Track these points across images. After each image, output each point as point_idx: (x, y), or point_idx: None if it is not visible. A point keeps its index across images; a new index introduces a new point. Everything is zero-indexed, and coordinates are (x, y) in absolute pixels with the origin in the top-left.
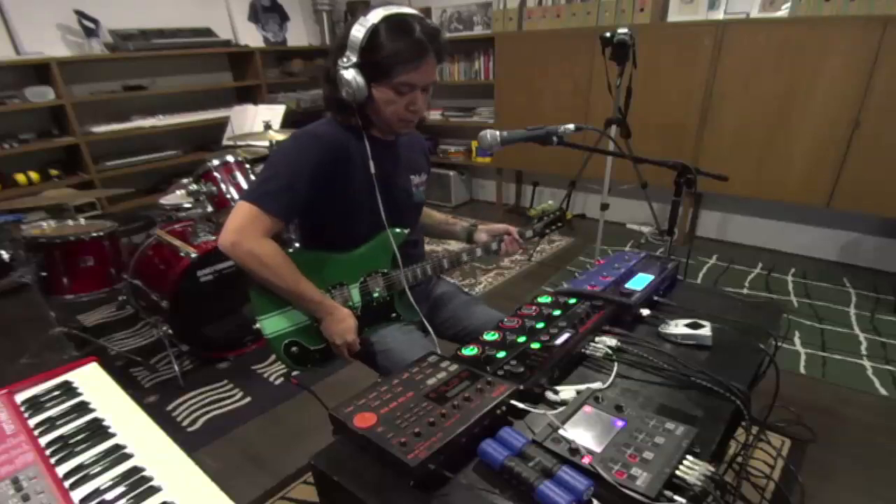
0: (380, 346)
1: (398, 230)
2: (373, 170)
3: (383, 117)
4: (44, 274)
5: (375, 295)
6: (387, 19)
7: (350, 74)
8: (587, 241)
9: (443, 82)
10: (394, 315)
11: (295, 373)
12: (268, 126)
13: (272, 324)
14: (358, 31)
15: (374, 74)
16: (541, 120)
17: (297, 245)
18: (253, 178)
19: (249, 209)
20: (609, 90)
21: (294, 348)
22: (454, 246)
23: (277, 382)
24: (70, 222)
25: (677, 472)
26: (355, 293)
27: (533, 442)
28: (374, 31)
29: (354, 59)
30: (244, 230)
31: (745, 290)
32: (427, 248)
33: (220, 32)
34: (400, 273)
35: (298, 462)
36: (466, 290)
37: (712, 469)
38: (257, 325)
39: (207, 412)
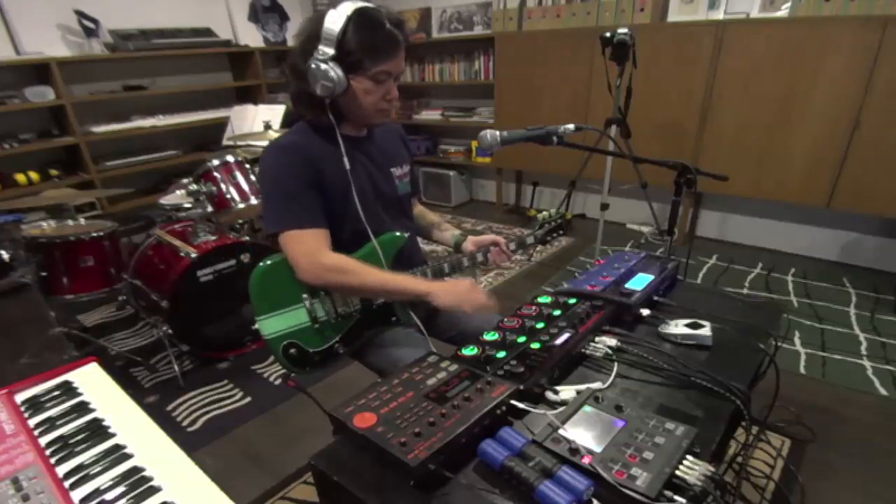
0: (378, 350)
1: (398, 233)
2: (347, 166)
3: (362, 109)
4: (44, 274)
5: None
6: (359, 11)
7: (329, 67)
8: (587, 241)
9: (443, 82)
10: (393, 318)
11: (293, 375)
12: (268, 126)
13: (271, 324)
14: (333, 24)
15: (352, 66)
16: (541, 120)
17: None
18: (253, 178)
19: (289, 237)
20: (609, 90)
21: (293, 350)
22: (440, 247)
23: (277, 382)
24: (70, 222)
25: (677, 472)
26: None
27: (533, 442)
28: (348, 23)
29: (331, 51)
30: (305, 254)
31: (745, 290)
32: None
33: (220, 32)
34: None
35: (298, 462)
36: None
37: (712, 469)
38: (256, 326)
39: (207, 412)
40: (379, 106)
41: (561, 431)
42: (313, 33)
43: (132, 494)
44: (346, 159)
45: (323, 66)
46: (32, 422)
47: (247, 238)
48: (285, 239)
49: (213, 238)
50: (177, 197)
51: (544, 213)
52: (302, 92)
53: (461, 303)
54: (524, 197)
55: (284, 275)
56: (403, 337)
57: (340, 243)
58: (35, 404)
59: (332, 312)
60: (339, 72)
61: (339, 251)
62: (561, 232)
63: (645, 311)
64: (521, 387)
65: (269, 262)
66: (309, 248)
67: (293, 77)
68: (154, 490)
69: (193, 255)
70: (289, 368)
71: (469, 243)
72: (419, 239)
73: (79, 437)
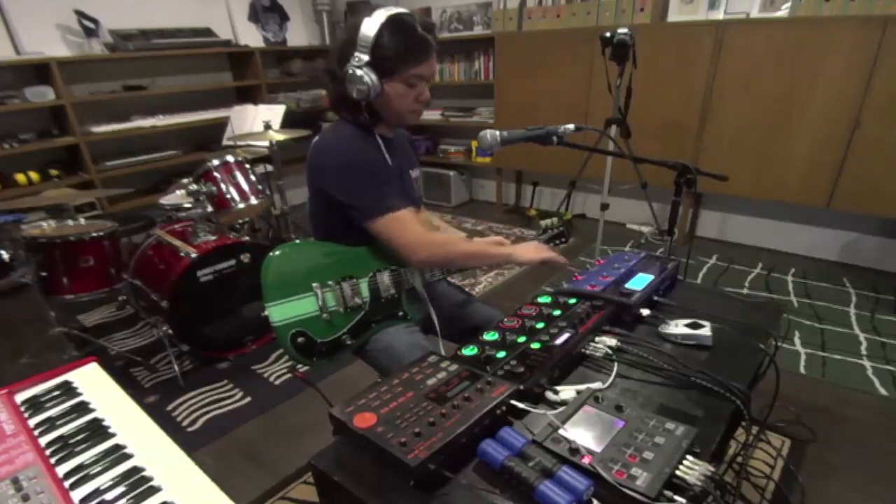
0: (383, 346)
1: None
2: (389, 163)
3: (395, 110)
4: (44, 274)
5: (383, 291)
6: (392, 18)
7: (364, 73)
8: (587, 241)
9: (443, 82)
10: (400, 314)
11: (302, 368)
12: (268, 126)
13: (280, 311)
14: (368, 31)
15: (386, 70)
16: (541, 120)
17: (309, 238)
18: (253, 178)
19: (393, 219)
20: (609, 90)
21: (301, 339)
22: None
23: (277, 382)
24: (70, 222)
25: (677, 472)
26: (364, 287)
27: (533, 442)
28: (382, 30)
29: (366, 57)
30: (416, 234)
31: (745, 290)
32: None
33: (220, 32)
34: (408, 270)
35: (298, 462)
36: (466, 289)
37: (712, 469)
38: (265, 313)
39: (207, 412)
40: (411, 107)
41: (561, 431)
42: (350, 40)
43: (132, 494)
44: (387, 155)
45: (358, 71)
46: (32, 422)
47: (247, 238)
48: (390, 222)
49: (213, 238)
50: (177, 197)
51: (548, 220)
52: (340, 95)
53: (539, 255)
54: (524, 197)
55: (296, 263)
56: (407, 334)
57: (365, 233)
58: (35, 404)
59: (341, 302)
60: (374, 76)
61: (364, 240)
62: (563, 240)
63: (645, 311)
64: (521, 387)
65: (278, 253)
66: (415, 229)
67: (330, 81)
68: (154, 490)
69: (193, 255)
70: (296, 358)
71: None
72: None
73: (79, 437)
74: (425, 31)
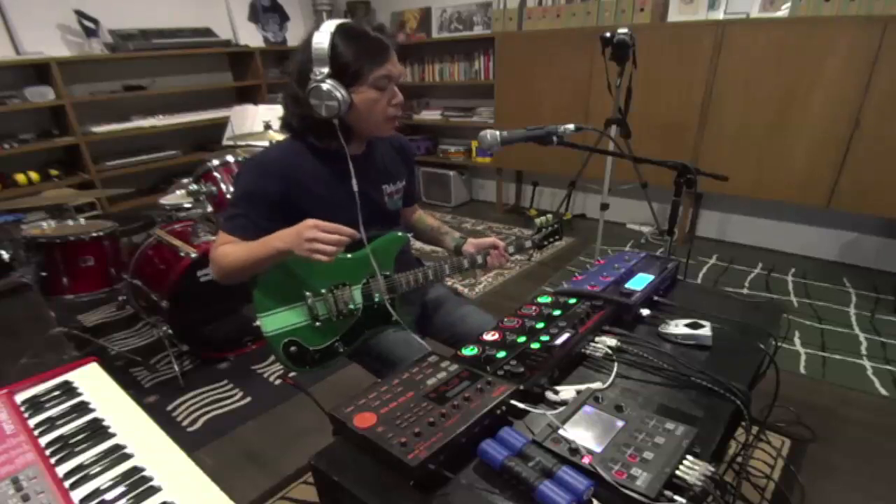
0: (378, 349)
1: (400, 234)
2: (356, 188)
3: (371, 120)
4: (44, 274)
5: (377, 297)
6: (341, 27)
7: (331, 85)
8: (587, 241)
9: (443, 82)
10: (393, 318)
11: (292, 374)
12: (268, 126)
13: (272, 322)
14: (322, 43)
15: (352, 77)
16: (541, 120)
17: None
18: None
19: (220, 235)
20: (609, 90)
21: (293, 348)
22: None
23: (277, 382)
24: (70, 222)
25: (677, 472)
26: (357, 294)
27: (533, 442)
28: (334, 40)
29: (327, 69)
30: (213, 252)
31: (745, 290)
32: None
33: (220, 32)
34: (400, 277)
35: (298, 462)
36: (464, 290)
37: (712, 469)
38: (257, 323)
39: (207, 412)
40: (387, 113)
41: (561, 431)
42: (305, 59)
43: (132, 494)
44: (354, 181)
45: (324, 85)
46: (32, 422)
47: None
48: (217, 236)
49: (214, 238)
50: (177, 197)
51: (542, 218)
52: (306, 119)
53: (303, 251)
54: (524, 197)
55: (286, 273)
56: (401, 338)
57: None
58: (35, 404)
59: (333, 311)
60: (341, 88)
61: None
62: (557, 237)
63: (645, 311)
64: (521, 387)
65: None
66: (220, 249)
67: (294, 107)
68: (154, 490)
69: (193, 255)
70: (288, 367)
71: (469, 245)
72: (417, 242)
73: (79, 437)
74: (377, 32)
